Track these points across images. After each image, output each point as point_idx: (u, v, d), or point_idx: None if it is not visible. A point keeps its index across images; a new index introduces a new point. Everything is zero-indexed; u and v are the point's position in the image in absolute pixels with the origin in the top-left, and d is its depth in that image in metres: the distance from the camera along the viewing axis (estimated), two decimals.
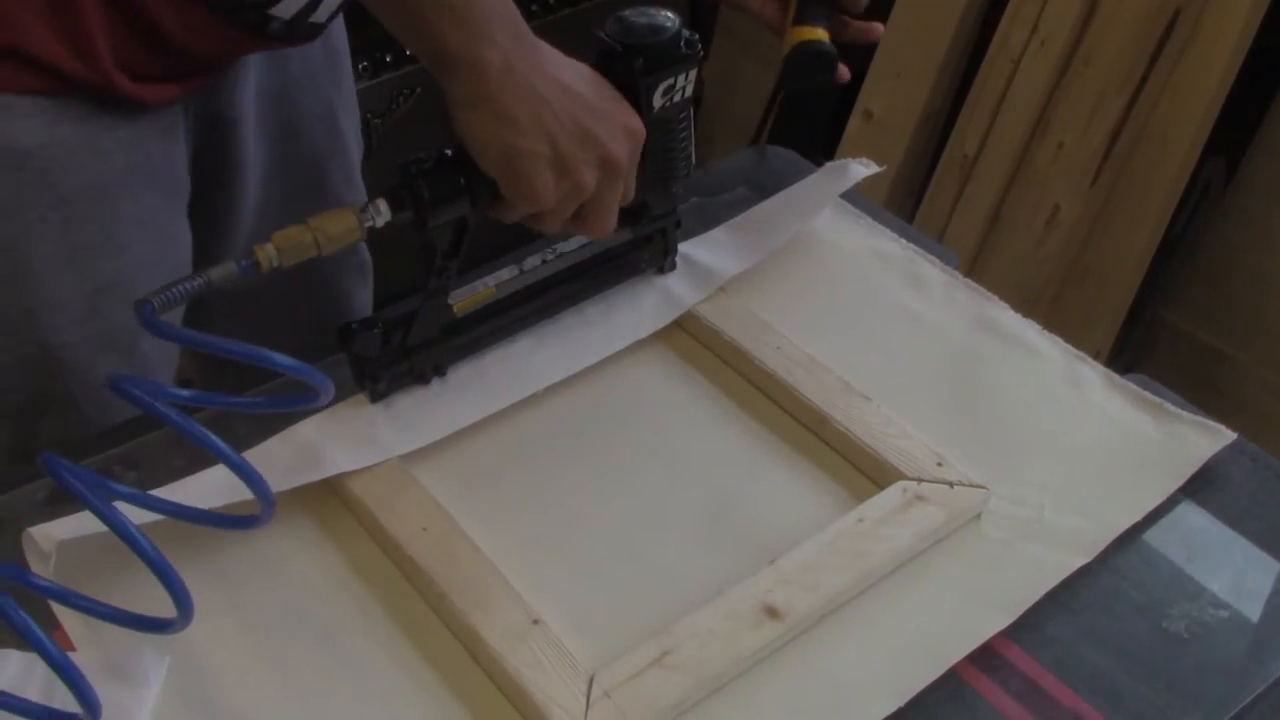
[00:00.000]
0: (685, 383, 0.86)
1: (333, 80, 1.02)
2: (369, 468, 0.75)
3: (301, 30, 0.85)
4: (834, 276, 0.94)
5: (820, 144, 2.05)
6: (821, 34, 0.88)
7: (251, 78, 0.93)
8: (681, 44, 0.78)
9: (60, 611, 0.68)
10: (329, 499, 0.76)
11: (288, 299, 1.03)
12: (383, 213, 0.72)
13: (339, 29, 1.01)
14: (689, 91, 0.80)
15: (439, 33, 0.69)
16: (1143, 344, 1.93)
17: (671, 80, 0.78)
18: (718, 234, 0.95)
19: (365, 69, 1.83)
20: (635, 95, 0.77)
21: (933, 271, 0.94)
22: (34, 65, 0.76)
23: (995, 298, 0.92)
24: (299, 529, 0.74)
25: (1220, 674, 0.69)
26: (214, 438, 0.59)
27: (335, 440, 0.77)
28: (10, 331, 0.84)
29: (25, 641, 0.65)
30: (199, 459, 0.76)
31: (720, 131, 2.35)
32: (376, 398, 0.79)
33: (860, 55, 1.93)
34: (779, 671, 0.67)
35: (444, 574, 0.69)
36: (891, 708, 0.65)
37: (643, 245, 0.89)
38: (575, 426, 0.82)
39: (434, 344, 0.80)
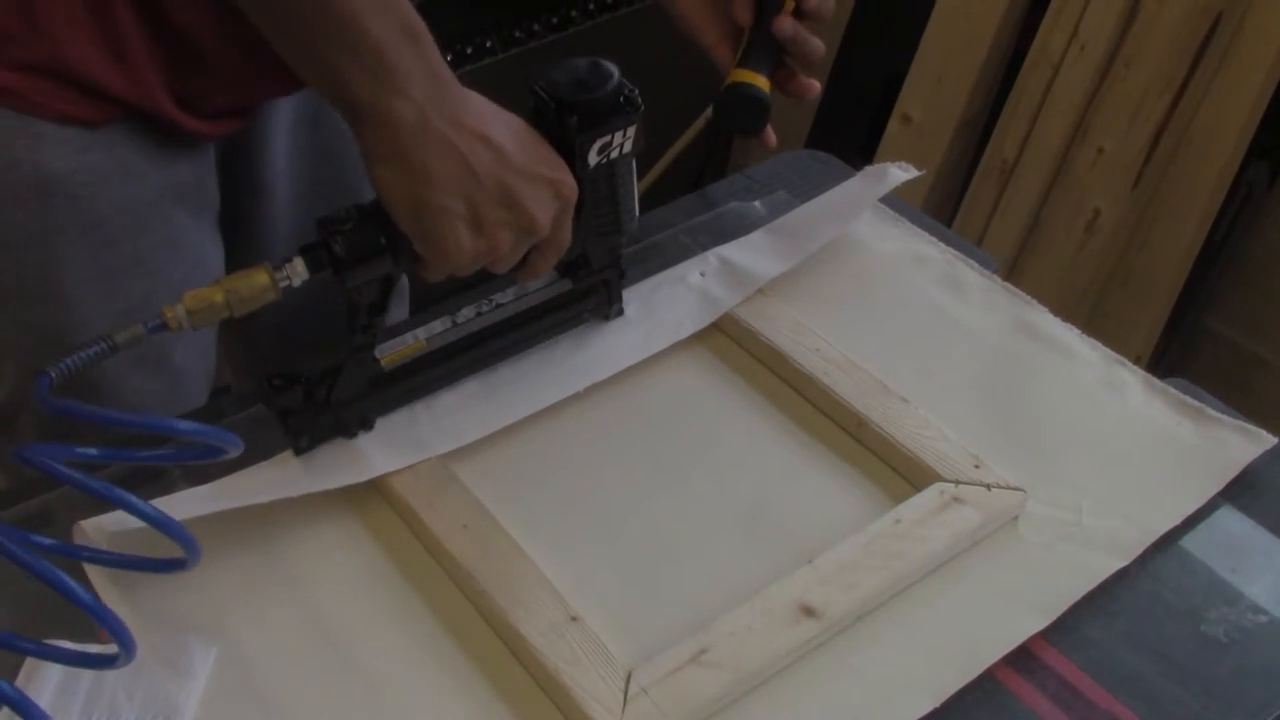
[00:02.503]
0: (723, 384, 0.86)
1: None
2: (411, 466, 0.76)
3: None
4: (872, 279, 0.95)
5: (859, 148, 2.05)
6: (761, 80, 0.88)
7: (282, 102, 0.93)
8: (621, 99, 0.75)
9: (110, 602, 0.69)
10: (372, 496, 0.77)
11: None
12: (299, 272, 0.70)
13: None
14: (628, 147, 0.77)
15: (347, 82, 0.67)
16: (1184, 350, 1.92)
17: (608, 138, 0.75)
18: (757, 237, 0.95)
19: None
20: (570, 153, 0.74)
21: (971, 275, 0.95)
22: (76, 84, 0.76)
23: (1034, 301, 0.92)
24: (343, 525, 0.75)
25: (1259, 679, 0.69)
26: (121, 493, 0.57)
27: (378, 440, 0.78)
28: (43, 352, 0.83)
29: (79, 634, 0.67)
30: (245, 456, 0.77)
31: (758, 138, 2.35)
32: (300, 452, 0.77)
33: (900, 59, 1.93)
34: (816, 670, 0.68)
35: (484, 571, 0.70)
36: (927, 708, 0.65)
37: (584, 296, 0.86)
38: (614, 426, 0.83)
39: (360, 398, 0.78)
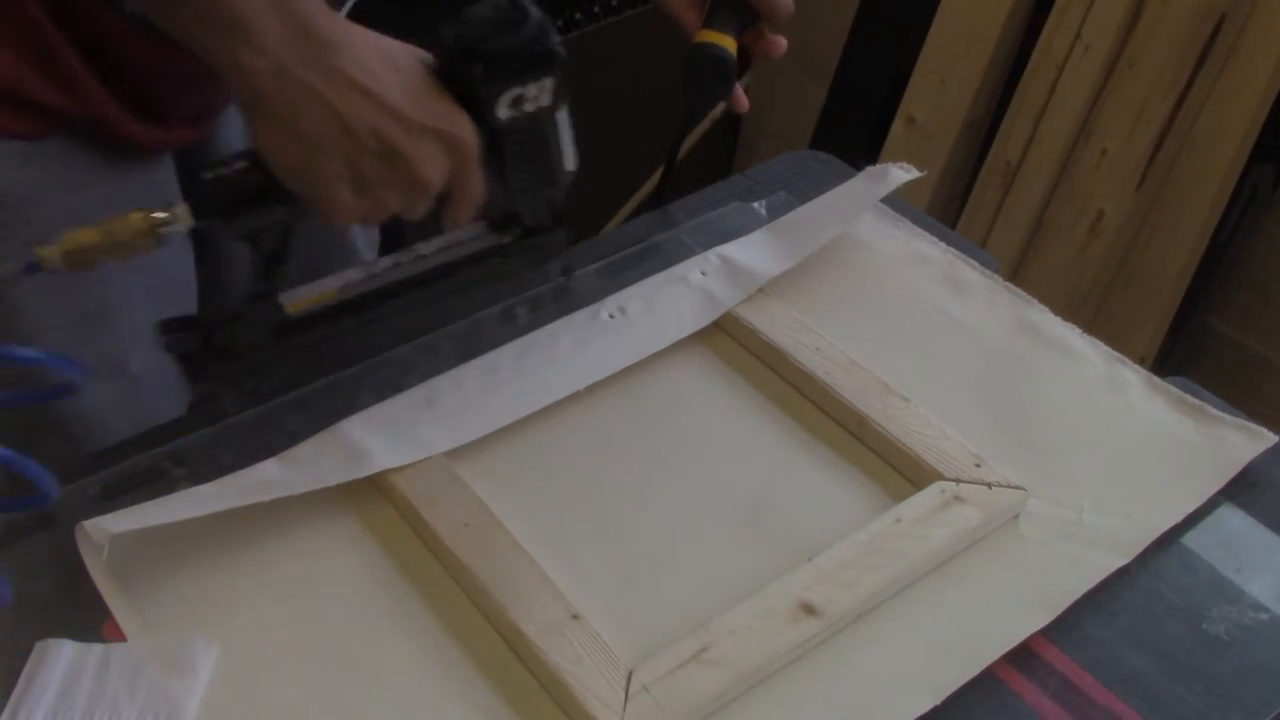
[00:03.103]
0: (724, 383, 0.86)
1: None
2: (412, 464, 0.76)
3: None
4: (874, 279, 0.95)
5: (863, 150, 2.05)
6: (727, 41, 0.85)
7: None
8: (536, 49, 0.69)
9: (112, 603, 0.69)
10: (372, 494, 0.77)
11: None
12: (181, 218, 0.66)
13: None
14: (545, 101, 0.70)
15: (194, 37, 0.63)
16: (1188, 351, 1.92)
17: (520, 90, 0.69)
18: (758, 236, 0.96)
19: None
20: (476, 105, 0.69)
21: (973, 275, 0.95)
22: (11, 100, 0.75)
23: (1035, 301, 0.92)
24: (343, 523, 0.75)
25: (1260, 677, 0.69)
26: None
27: (379, 437, 0.78)
28: None
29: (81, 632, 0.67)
30: (247, 455, 0.78)
31: (762, 137, 2.36)
32: (198, 398, 0.75)
33: (904, 60, 1.93)
34: (816, 668, 0.68)
35: (485, 569, 0.70)
36: (928, 705, 0.65)
37: (518, 252, 0.81)
38: (615, 425, 0.83)
39: (264, 345, 0.76)
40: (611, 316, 0.89)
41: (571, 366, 0.85)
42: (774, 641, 0.67)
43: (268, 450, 0.78)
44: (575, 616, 0.68)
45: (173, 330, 0.74)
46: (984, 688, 0.67)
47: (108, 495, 0.76)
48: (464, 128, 0.68)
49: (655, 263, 0.95)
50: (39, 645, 0.66)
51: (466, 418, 0.80)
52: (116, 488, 0.77)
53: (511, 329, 0.88)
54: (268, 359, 0.76)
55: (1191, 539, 0.76)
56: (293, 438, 0.78)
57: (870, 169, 1.00)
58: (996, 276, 0.95)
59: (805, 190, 1.02)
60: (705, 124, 2.24)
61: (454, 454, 0.78)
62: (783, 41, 0.89)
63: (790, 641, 0.67)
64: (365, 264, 0.80)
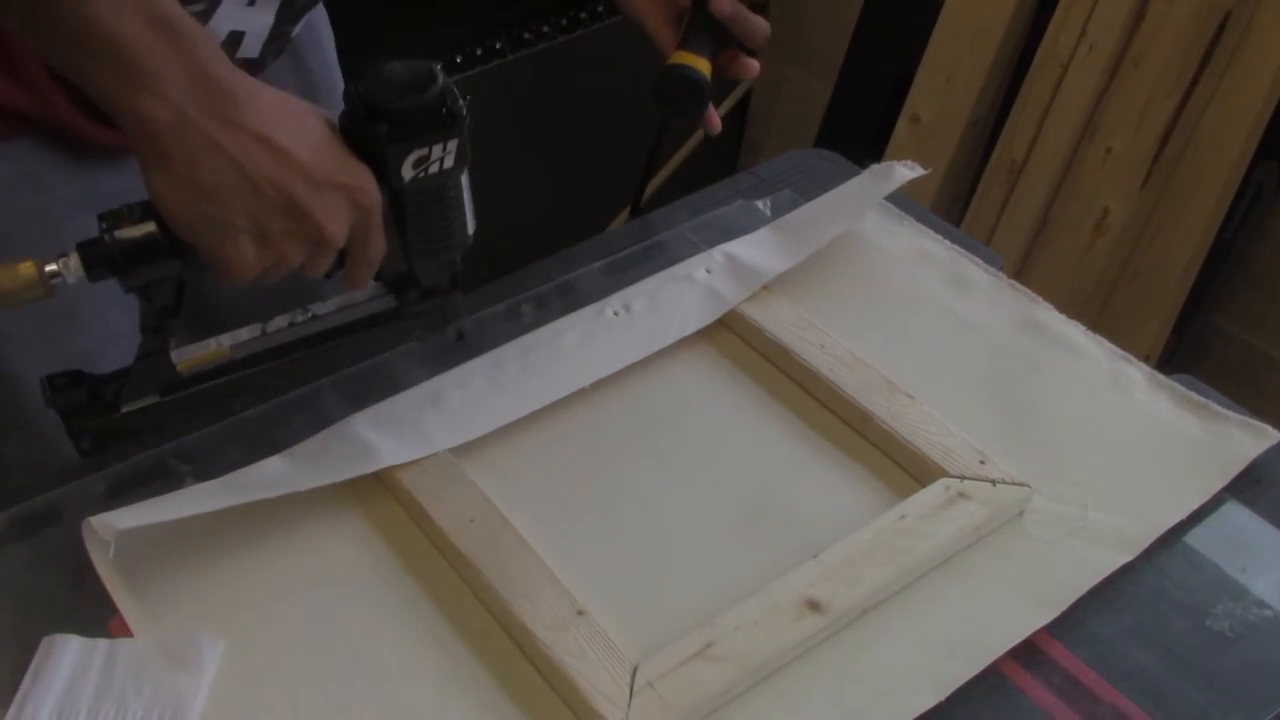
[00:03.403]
0: (729, 380, 0.86)
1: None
2: (417, 461, 0.77)
3: None
4: (878, 276, 0.95)
5: (868, 149, 2.05)
6: (700, 63, 0.86)
7: None
8: (443, 110, 0.68)
9: (119, 598, 0.70)
10: (377, 491, 0.77)
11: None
12: (73, 269, 0.65)
13: (319, 59, 1.00)
14: (450, 162, 0.70)
15: (89, 78, 0.61)
16: (1192, 349, 1.92)
17: (425, 150, 0.68)
18: (762, 233, 0.96)
19: None
20: (381, 164, 0.68)
21: (977, 272, 0.95)
22: None
23: (1040, 298, 0.92)
24: (348, 520, 0.76)
25: (1264, 673, 0.69)
26: None
27: (385, 434, 0.78)
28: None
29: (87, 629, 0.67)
30: (253, 451, 0.78)
31: (767, 136, 2.36)
32: (83, 455, 0.74)
33: (908, 59, 1.93)
34: (821, 664, 0.68)
35: (490, 565, 0.70)
36: (932, 702, 0.66)
37: (415, 314, 0.81)
38: (620, 422, 0.83)
39: (154, 404, 0.75)
40: (616, 314, 0.89)
41: (576, 364, 0.85)
42: (779, 637, 0.67)
43: (274, 447, 0.78)
44: (580, 612, 0.68)
45: (58, 386, 0.73)
46: (989, 684, 0.67)
47: (113, 492, 0.77)
48: (368, 183, 0.68)
49: (659, 260, 0.95)
50: (45, 640, 0.67)
51: (471, 415, 0.80)
52: (122, 484, 0.77)
53: (516, 326, 0.89)
54: (155, 415, 0.75)
55: (1196, 536, 0.76)
56: (299, 435, 0.79)
57: (875, 167, 1.00)
58: (1001, 274, 0.95)
59: (810, 188, 1.02)
60: None
61: (459, 451, 0.78)
62: (755, 64, 0.89)
63: (795, 638, 0.67)
64: (257, 323, 0.78)
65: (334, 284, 0.75)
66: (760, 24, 0.87)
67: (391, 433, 0.79)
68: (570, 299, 0.92)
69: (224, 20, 0.80)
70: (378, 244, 0.71)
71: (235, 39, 0.81)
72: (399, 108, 0.67)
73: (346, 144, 0.68)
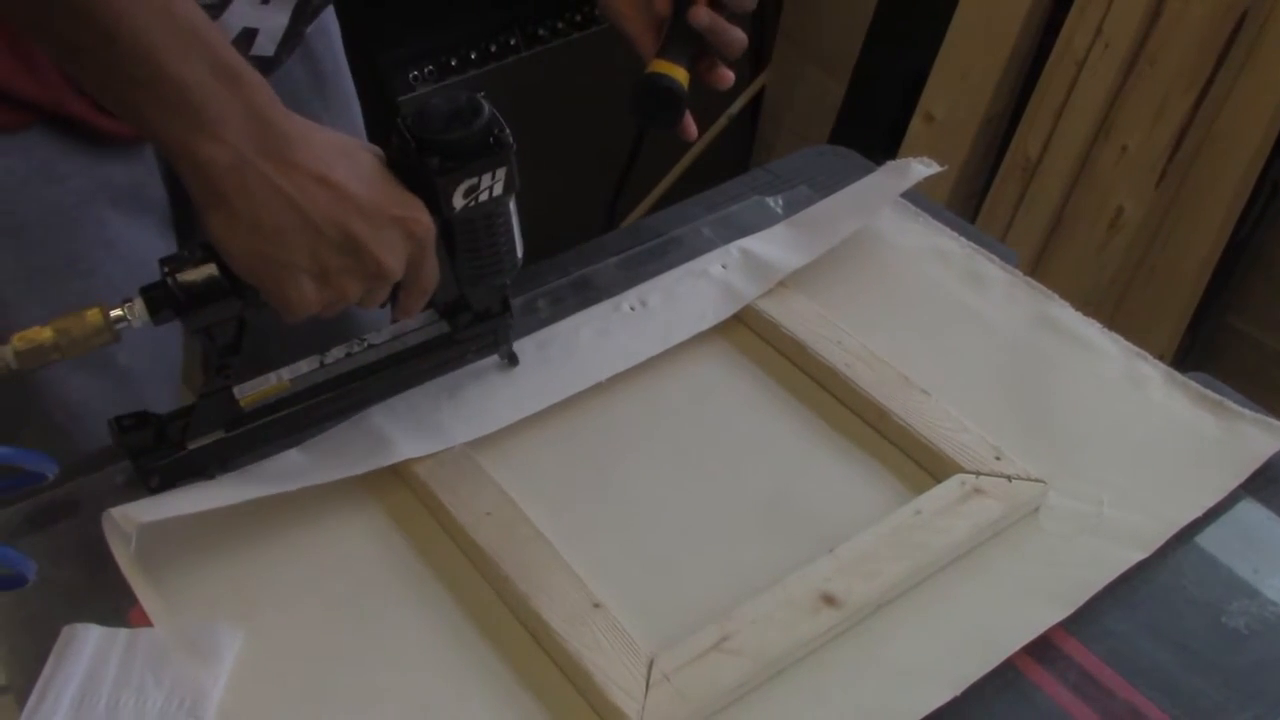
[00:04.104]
0: (745, 375, 0.86)
1: (320, 99, 1.01)
2: (435, 454, 0.77)
3: None
4: (894, 273, 0.95)
5: (882, 147, 2.05)
6: (678, 72, 0.86)
7: None
8: (490, 139, 0.70)
9: (138, 589, 0.70)
10: (395, 484, 0.77)
11: None
12: (139, 314, 0.66)
13: (328, 50, 1.01)
14: (498, 190, 0.71)
15: (149, 122, 0.62)
16: (1207, 347, 1.91)
17: (475, 180, 0.70)
18: (778, 230, 0.96)
19: (430, 72, 1.86)
20: (432, 194, 0.69)
21: (992, 269, 0.95)
22: None
23: (1055, 295, 0.92)
24: (366, 513, 0.76)
25: (1279, 671, 0.69)
26: None
27: (403, 427, 0.79)
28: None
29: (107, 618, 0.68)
30: (252, 456, 0.78)
31: (780, 135, 2.36)
32: (153, 491, 0.74)
33: (923, 57, 1.93)
34: (837, 658, 0.68)
35: (507, 558, 0.71)
36: (947, 696, 0.66)
37: (467, 338, 0.82)
38: (636, 416, 0.83)
39: (218, 439, 0.75)
40: (632, 309, 0.89)
41: (592, 359, 0.85)
42: (795, 632, 0.67)
43: (294, 441, 0.78)
44: (597, 605, 0.68)
45: (125, 427, 0.74)
46: (1004, 679, 0.67)
47: (133, 483, 0.77)
48: (421, 214, 0.69)
49: (675, 256, 0.95)
50: (66, 630, 0.67)
51: (488, 409, 0.81)
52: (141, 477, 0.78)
53: (533, 321, 0.89)
54: (221, 451, 0.76)
55: (1211, 533, 0.76)
56: (318, 427, 0.79)
57: (891, 163, 1.00)
58: (1017, 271, 0.95)
59: (826, 185, 1.02)
60: (722, 121, 2.24)
61: (476, 444, 0.79)
62: (731, 75, 0.89)
63: (811, 632, 0.68)
64: (315, 355, 0.80)
65: (384, 312, 0.75)
66: (738, 35, 0.87)
67: (408, 426, 0.79)
68: (586, 294, 0.92)
69: (236, 17, 0.80)
70: (432, 273, 0.72)
71: (248, 36, 0.82)
72: (448, 139, 0.69)
73: (397, 177, 0.69)
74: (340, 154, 0.66)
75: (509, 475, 0.77)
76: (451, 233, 0.73)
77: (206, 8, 0.77)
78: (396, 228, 0.67)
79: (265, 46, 0.84)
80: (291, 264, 0.65)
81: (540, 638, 0.69)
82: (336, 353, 0.80)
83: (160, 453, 0.74)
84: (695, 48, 0.88)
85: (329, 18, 1.02)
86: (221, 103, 0.61)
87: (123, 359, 0.88)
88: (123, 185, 0.86)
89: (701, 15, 0.86)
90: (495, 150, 0.70)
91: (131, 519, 0.70)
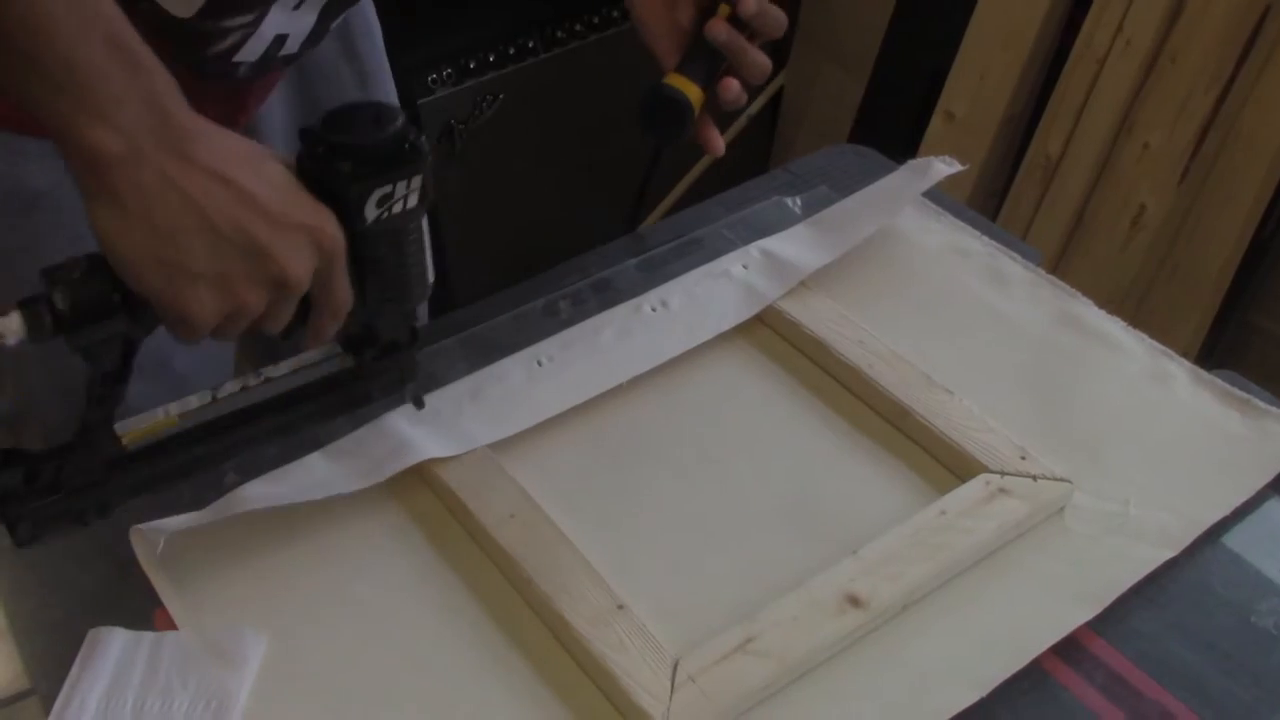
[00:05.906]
0: (767, 376, 0.86)
1: (357, 80, 1.00)
2: (457, 456, 0.77)
3: (272, 65, 0.82)
4: (916, 272, 0.94)
5: (902, 146, 2.04)
6: (691, 87, 0.86)
7: (275, 107, 0.92)
8: (405, 145, 0.66)
9: (163, 593, 0.70)
10: (418, 486, 0.77)
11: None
12: (14, 329, 0.59)
13: (370, 46, 1.01)
14: (413, 201, 0.67)
15: (35, 100, 0.56)
16: (1231, 346, 1.90)
17: (389, 188, 0.65)
18: (799, 229, 0.96)
19: (449, 75, 1.86)
20: (344, 204, 0.65)
21: (1015, 268, 0.94)
22: None
23: (1078, 294, 0.92)
24: (389, 515, 0.76)
25: None
26: None
27: (424, 430, 0.79)
28: (45, 363, 0.81)
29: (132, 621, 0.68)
30: (292, 448, 0.78)
31: (800, 134, 2.35)
32: (20, 544, 0.66)
33: (942, 55, 1.92)
34: (862, 659, 0.68)
35: (531, 559, 0.71)
36: (974, 697, 0.65)
37: (373, 374, 0.76)
38: (659, 418, 0.83)
39: (96, 482, 0.68)
40: (653, 310, 0.89)
41: (614, 360, 0.85)
42: (820, 633, 0.67)
43: (314, 443, 0.78)
44: (621, 606, 0.68)
45: None
46: (1031, 680, 0.67)
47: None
48: (330, 224, 0.64)
49: (696, 257, 0.95)
50: (91, 633, 0.68)
51: (510, 410, 0.81)
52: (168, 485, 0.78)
53: (554, 323, 0.89)
54: (99, 497, 0.69)
55: (1239, 532, 0.75)
56: (340, 431, 0.79)
57: (912, 162, 1.00)
58: (1039, 269, 0.94)
59: (846, 184, 1.02)
60: (742, 121, 2.24)
61: (498, 446, 0.79)
62: (737, 86, 0.88)
63: (836, 633, 0.67)
64: (208, 389, 0.73)
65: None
66: (760, 59, 0.86)
67: (430, 428, 0.79)
68: (607, 295, 0.92)
69: (271, 26, 0.80)
70: (342, 290, 0.67)
71: (280, 41, 0.82)
72: (362, 144, 0.65)
73: (306, 186, 0.64)
74: (244, 157, 0.62)
75: (532, 477, 0.76)
76: (362, 248, 0.67)
77: (246, 23, 0.77)
78: (303, 235, 0.62)
79: (291, 47, 0.85)
80: (187, 269, 0.59)
81: (564, 639, 0.68)
82: (230, 387, 0.73)
83: (29, 498, 0.66)
84: (714, 65, 0.87)
85: (373, 16, 1.02)
86: (117, 86, 0.56)
87: (178, 365, 0.87)
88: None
89: (719, 30, 0.85)
90: (411, 157, 0.66)
91: (159, 531, 0.71)
